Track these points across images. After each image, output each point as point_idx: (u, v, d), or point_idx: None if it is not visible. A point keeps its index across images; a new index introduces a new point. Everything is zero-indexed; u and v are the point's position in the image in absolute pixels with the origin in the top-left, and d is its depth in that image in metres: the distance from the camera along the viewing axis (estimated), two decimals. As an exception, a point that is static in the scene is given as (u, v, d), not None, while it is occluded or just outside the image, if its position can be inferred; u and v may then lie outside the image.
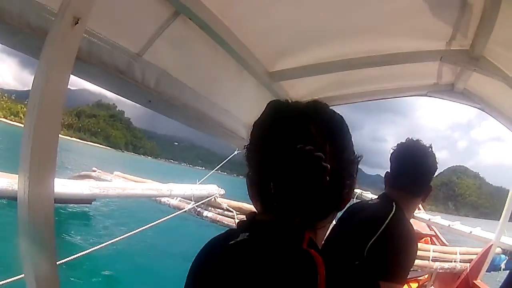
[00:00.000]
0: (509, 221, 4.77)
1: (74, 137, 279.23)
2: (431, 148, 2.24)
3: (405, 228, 2.07)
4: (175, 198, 5.71)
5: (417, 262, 4.49)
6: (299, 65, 2.76)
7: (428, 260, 4.58)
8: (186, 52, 2.16)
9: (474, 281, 4.81)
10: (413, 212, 2.34)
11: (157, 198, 6.02)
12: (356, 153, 1.12)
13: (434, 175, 2.28)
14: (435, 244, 6.51)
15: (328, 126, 1.05)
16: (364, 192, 9.88)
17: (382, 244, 1.96)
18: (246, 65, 2.40)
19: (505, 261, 5.39)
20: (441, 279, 5.72)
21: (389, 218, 2.03)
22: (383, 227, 2.00)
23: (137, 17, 1.80)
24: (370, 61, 2.82)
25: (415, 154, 2.22)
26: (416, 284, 5.52)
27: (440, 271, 4.82)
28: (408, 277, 5.53)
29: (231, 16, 2.05)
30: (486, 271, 5.12)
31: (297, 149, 0.94)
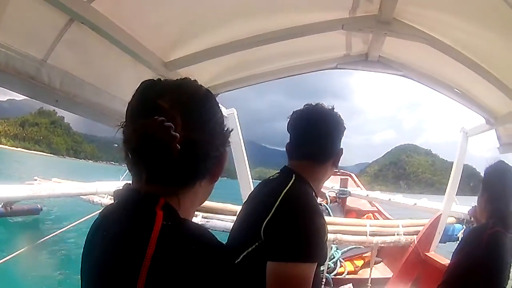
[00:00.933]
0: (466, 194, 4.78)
1: (19, 147, 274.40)
2: (333, 109, 2.07)
3: (302, 199, 1.87)
4: (106, 196, 5.87)
5: (354, 238, 4.47)
6: (194, 51, 2.76)
7: (366, 235, 4.47)
8: (84, 54, 2.33)
9: (426, 253, 4.75)
10: (323, 181, 2.13)
11: (90, 199, 6.20)
12: (225, 127, 1.22)
13: (341, 137, 2.09)
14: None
15: (184, 101, 1.12)
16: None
17: (278, 220, 1.79)
18: (141, 59, 2.46)
19: (462, 231, 5.30)
20: (389, 254, 5.74)
21: (284, 192, 1.85)
22: (277, 202, 1.81)
23: (39, 27, 1.98)
24: (269, 37, 2.76)
25: (311, 118, 2.06)
26: (362, 261, 5.50)
27: (382, 245, 4.74)
28: (351, 254, 5.52)
29: (121, 16, 2.15)
30: (441, 242, 5.09)
31: (149, 120, 1.03)
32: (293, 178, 1.93)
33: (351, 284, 4.65)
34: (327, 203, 7.15)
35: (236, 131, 4.16)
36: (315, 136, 2.02)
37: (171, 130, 1.03)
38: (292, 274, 1.68)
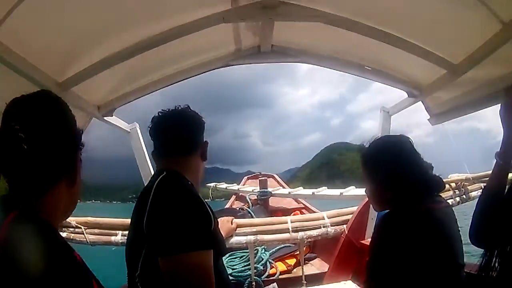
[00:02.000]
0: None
1: None
2: (188, 107, 2.30)
3: (174, 189, 1.97)
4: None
5: (276, 236, 4.41)
6: (83, 67, 2.73)
7: (289, 232, 4.40)
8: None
9: (362, 241, 4.62)
10: (199, 173, 2.32)
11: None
12: (72, 132, 1.37)
13: (202, 129, 2.32)
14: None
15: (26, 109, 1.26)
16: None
17: (154, 216, 1.87)
18: (35, 81, 2.39)
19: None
20: (324, 248, 5.69)
21: (155, 187, 1.96)
22: (150, 198, 1.91)
23: None
24: (153, 41, 2.74)
25: (167, 118, 2.25)
26: (294, 260, 5.42)
27: (309, 240, 4.66)
28: (281, 254, 5.43)
29: (14, 40, 2.09)
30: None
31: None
32: (164, 173, 2.05)
33: (275, 283, 4.54)
34: (249, 207, 7.10)
35: (140, 146, 4.03)
36: (175, 132, 2.21)
37: (18, 132, 1.17)
38: (183, 265, 1.76)
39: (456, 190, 5.49)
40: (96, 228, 4.23)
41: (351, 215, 4.83)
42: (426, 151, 2.22)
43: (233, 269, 4.86)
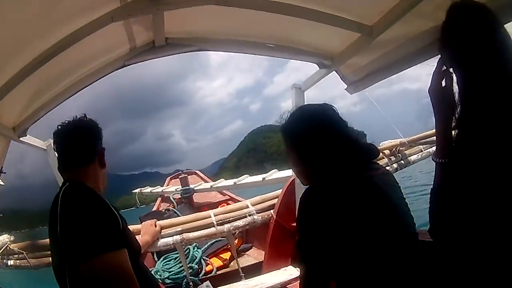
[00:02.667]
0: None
1: None
2: (84, 116, 2.36)
3: (76, 197, 2.05)
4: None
5: (202, 232, 4.28)
6: None
7: (214, 226, 4.26)
8: None
9: (293, 224, 4.33)
10: (101, 180, 2.36)
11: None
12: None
13: (99, 137, 2.37)
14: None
15: None
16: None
17: (64, 226, 1.95)
18: None
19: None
20: (258, 237, 5.58)
21: (60, 199, 2.04)
22: (58, 210, 1.99)
23: None
24: (47, 55, 2.64)
25: (58, 132, 2.32)
26: (229, 253, 5.30)
27: (237, 231, 4.55)
28: (214, 250, 5.29)
29: None
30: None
31: None
32: (67, 184, 2.13)
33: (208, 281, 4.39)
34: (174, 207, 7.05)
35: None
36: (70, 144, 2.28)
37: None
38: (101, 268, 1.83)
39: (391, 157, 5.54)
40: (37, 251, 4.12)
41: (277, 199, 4.71)
42: (354, 121, 2.03)
43: (169, 272, 4.72)
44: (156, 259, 5.15)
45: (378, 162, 2.22)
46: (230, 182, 7.50)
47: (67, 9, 2.35)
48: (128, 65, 3.35)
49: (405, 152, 5.66)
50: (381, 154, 5.23)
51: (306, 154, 1.99)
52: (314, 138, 1.94)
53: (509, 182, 1.28)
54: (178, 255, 4.80)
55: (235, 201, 7.07)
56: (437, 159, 1.56)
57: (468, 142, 1.42)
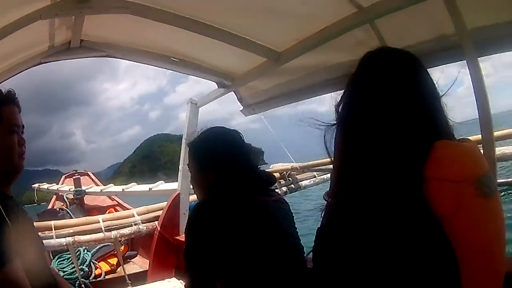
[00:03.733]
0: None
1: None
2: None
3: None
4: None
5: (92, 236, 4.33)
6: None
7: (102, 232, 4.30)
8: None
9: (177, 237, 4.48)
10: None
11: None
12: None
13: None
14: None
15: None
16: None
17: None
18: None
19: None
20: (142, 245, 5.64)
21: None
22: None
23: None
24: None
25: None
26: (115, 259, 5.26)
27: (122, 239, 4.57)
28: (103, 253, 5.27)
29: None
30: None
31: None
32: None
33: None
34: (67, 207, 7.03)
35: None
36: None
37: None
38: None
39: (281, 180, 5.75)
40: None
41: (161, 211, 4.77)
42: (250, 139, 2.18)
43: (64, 272, 4.67)
44: (51, 257, 5.06)
45: (274, 189, 2.30)
46: (119, 188, 7.60)
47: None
48: (44, 62, 3.29)
49: (296, 176, 5.91)
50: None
51: (207, 171, 2.09)
52: (217, 158, 2.05)
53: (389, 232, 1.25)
54: (70, 255, 4.75)
55: (123, 207, 7.18)
56: (326, 197, 1.56)
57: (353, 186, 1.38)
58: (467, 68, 2.03)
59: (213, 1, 2.60)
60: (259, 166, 2.15)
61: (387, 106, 1.33)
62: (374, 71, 1.41)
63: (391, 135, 1.30)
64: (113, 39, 3.30)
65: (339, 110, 1.46)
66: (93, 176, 9.32)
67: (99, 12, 2.63)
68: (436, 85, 1.41)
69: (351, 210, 1.35)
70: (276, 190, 4.19)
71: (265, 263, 1.85)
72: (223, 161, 2.05)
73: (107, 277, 5.02)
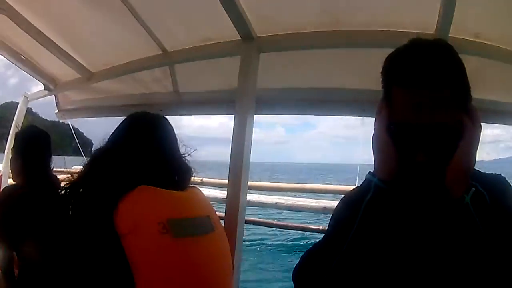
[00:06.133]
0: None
1: None
2: None
3: None
4: None
5: None
6: None
7: None
8: None
9: None
10: None
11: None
12: None
13: None
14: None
15: None
16: None
17: None
18: None
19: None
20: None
21: None
22: None
23: None
24: None
25: None
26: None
27: None
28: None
29: None
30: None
31: None
32: None
33: None
34: None
35: None
36: None
37: None
38: None
39: None
40: None
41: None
42: None
43: None
44: None
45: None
46: None
47: None
48: None
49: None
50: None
51: (18, 159, 2.41)
52: (25, 150, 2.42)
53: None
54: None
55: None
56: None
57: None
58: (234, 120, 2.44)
59: (50, 11, 2.87)
60: None
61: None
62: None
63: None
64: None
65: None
66: None
67: None
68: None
69: None
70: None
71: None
72: (28, 152, 2.39)
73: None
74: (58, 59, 3.25)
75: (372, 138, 1.09)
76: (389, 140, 1.04)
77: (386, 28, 2.22)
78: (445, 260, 1.01)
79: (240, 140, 2.40)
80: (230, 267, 1.88)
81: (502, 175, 1.14)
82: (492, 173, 1.15)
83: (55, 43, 3.11)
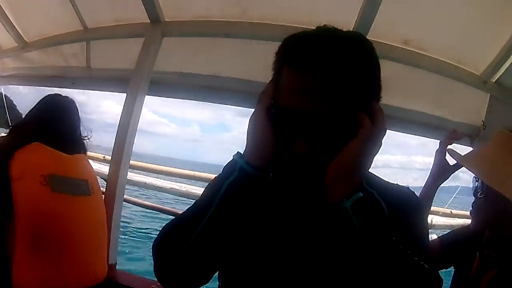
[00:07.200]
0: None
1: None
2: None
3: None
4: None
5: None
6: None
7: None
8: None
9: None
10: None
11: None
12: None
13: None
14: None
15: None
16: None
17: None
18: None
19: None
20: None
21: None
22: None
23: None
24: None
25: None
26: None
27: None
28: None
29: None
30: None
31: None
32: None
33: None
34: None
35: None
36: None
37: None
38: None
39: None
40: None
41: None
42: None
43: None
44: None
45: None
46: None
47: None
48: None
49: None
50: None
51: None
52: None
53: None
54: None
55: None
56: None
57: None
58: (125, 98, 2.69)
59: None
60: None
61: None
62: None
63: None
64: None
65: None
66: None
67: None
68: None
69: None
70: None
71: None
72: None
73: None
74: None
75: (250, 119, 0.98)
76: (268, 124, 0.94)
77: (295, 24, 2.33)
78: (305, 265, 0.97)
79: (127, 118, 2.62)
80: (104, 234, 2.25)
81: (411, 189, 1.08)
82: (399, 185, 1.08)
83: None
